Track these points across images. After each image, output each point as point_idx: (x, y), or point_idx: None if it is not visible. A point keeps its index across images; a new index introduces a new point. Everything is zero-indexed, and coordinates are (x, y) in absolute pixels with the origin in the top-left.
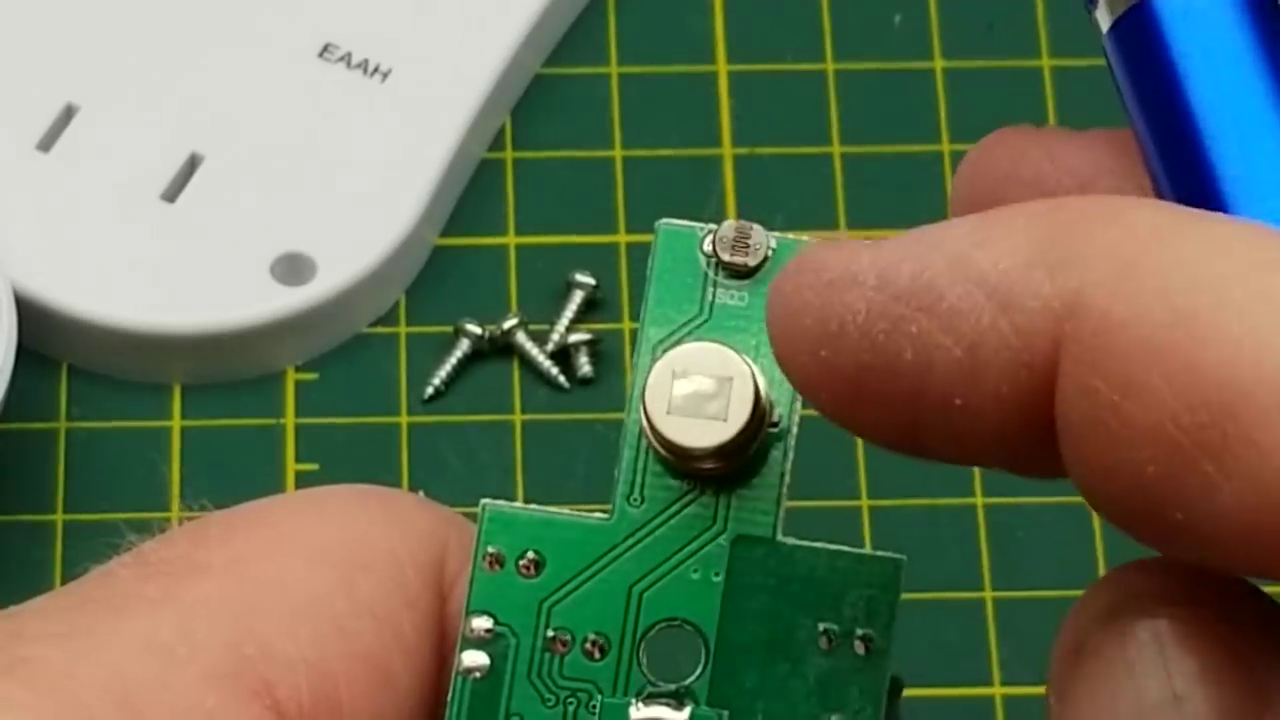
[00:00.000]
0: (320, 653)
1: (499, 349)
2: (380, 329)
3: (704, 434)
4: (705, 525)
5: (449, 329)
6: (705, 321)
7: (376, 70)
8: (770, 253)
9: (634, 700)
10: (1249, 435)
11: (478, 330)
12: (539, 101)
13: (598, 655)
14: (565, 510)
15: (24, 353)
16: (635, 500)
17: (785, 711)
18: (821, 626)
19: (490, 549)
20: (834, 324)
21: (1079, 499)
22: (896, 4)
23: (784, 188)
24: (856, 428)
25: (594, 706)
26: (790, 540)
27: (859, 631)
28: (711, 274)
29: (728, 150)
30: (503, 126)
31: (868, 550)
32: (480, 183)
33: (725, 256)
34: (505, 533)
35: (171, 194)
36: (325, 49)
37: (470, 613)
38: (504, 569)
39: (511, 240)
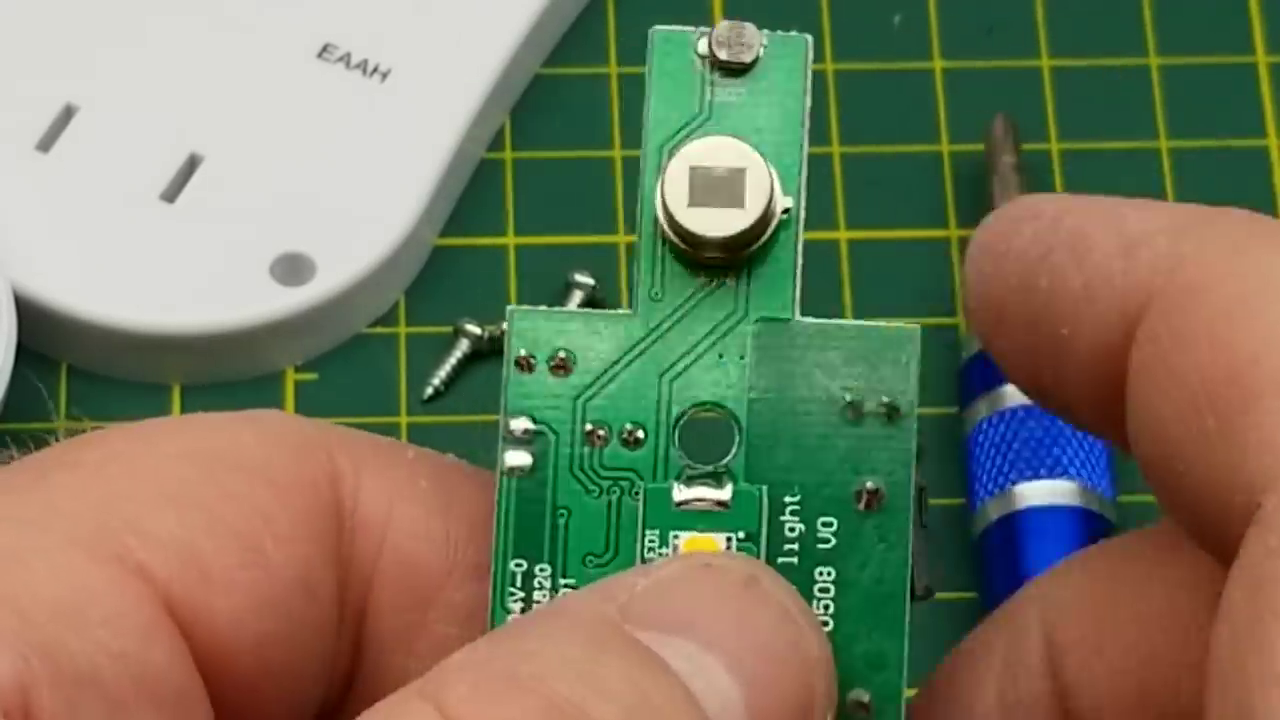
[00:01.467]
0: (187, 530)
1: (499, 349)
2: (380, 329)
3: (724, 222)
4: (727, 312)
5: (449, 329)
6: (707, 120)
7: (376, 70)
8: (763, 49)
9: (675, 484)
10: (1243, 402)
11: (477, 330)
12: (539, 101)
13: (635, 444)
14: (589, 309)
15: (24, 353)
16: (656, 294)
17: (820, 481)
18: (847, 398)
19: (520, 352)
20: (1003, 245)
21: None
22: (896, 4)
23: None
24: (994, 349)
25: (637, 493)
26: (809, 319)
27: (883, 399)
28: (708, 74)
29: None
30: (502, 126)
31: (883, 323)
32: (480, 183)
33: (722, 55)
34: (532, 335)
35: (171, 194)
36: (325, 49)
37: (508, 414)
38: (535, 370)
39: (511, 240)
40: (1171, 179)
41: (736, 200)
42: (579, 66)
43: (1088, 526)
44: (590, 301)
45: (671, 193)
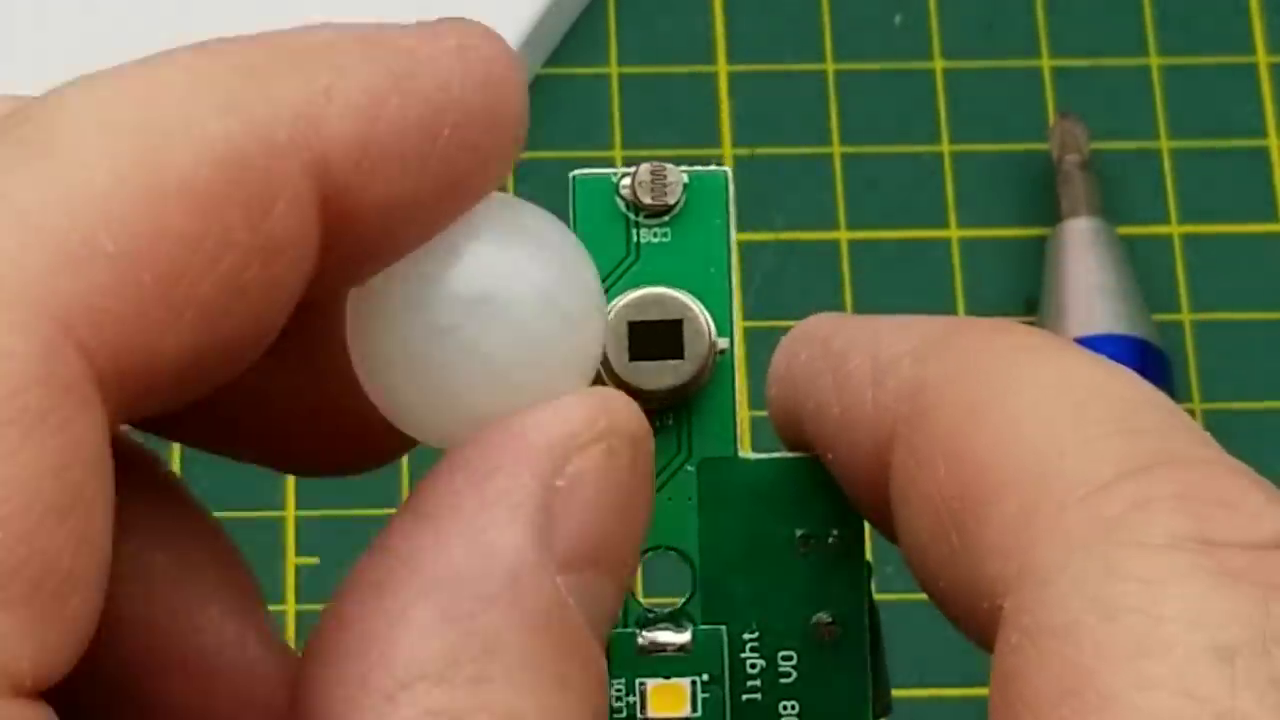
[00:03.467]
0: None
1: None
2: None
3: (665, 374)
4: (672, 454)
5: None
6: (634, 261)
7: None
8: (684, 188)
9: (637, 630)
10: (975, 513)
11: None
12: (539, 101)
13: None
14: None
15: None
16: None
17: (776, 616)
18: (797, 532)
19: None
20: (783, 369)
21: None
22: (896, 4)
23: (784, 188)
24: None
25: None
26: (751, 455)
27: (834, 531)
28: (632, 215)
29: (728, 150)
30: None
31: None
32: None
33: (646, 199)
34: None
35: None
36: None
37: None
38: None
39: None
40: (1172, 179)
41: (675, 351)
42: (579, 66)
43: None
44: None
45: (612, 350)
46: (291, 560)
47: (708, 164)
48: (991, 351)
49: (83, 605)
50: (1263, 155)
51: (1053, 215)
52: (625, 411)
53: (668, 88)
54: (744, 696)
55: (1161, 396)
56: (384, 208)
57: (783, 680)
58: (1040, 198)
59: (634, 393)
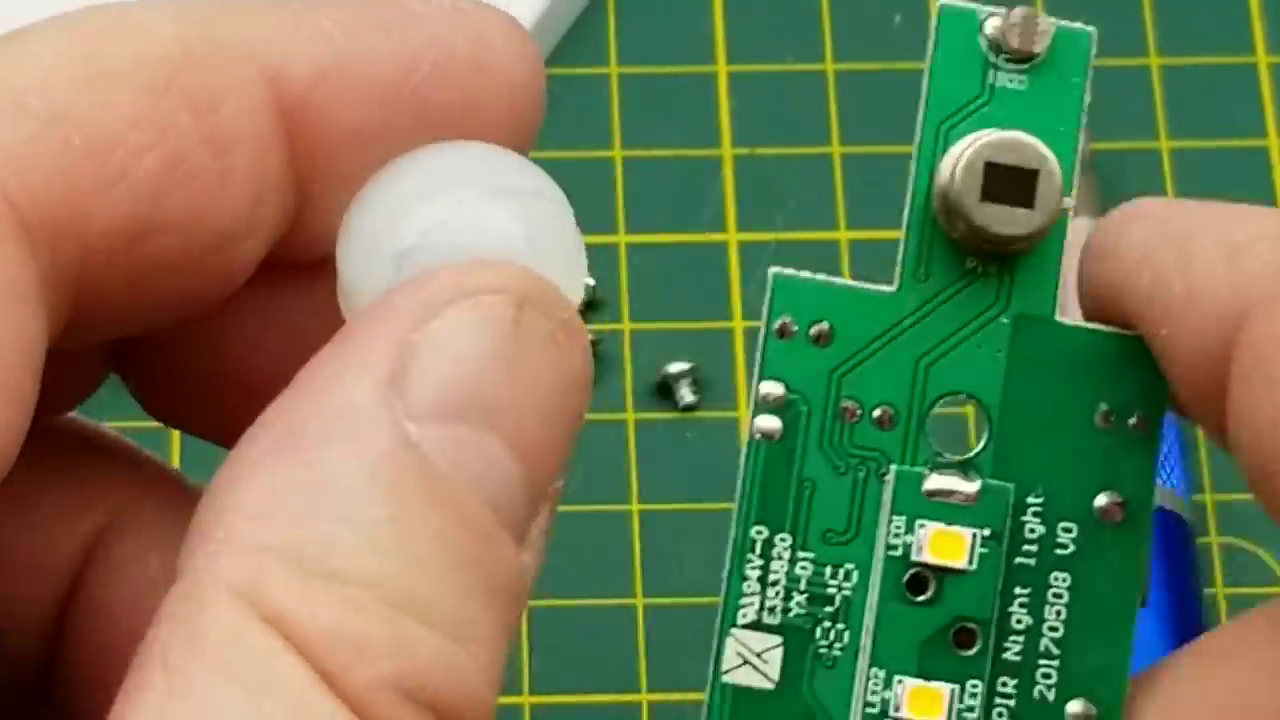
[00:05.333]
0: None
1: None
2: None
3: (1014, 221)
4: (988, 302)
5: None
6: (986, 103)
7: None
8: (1052, 40)
9: (927, 471)
10: None
11: None
12: None
13: (886, 425)
14: (851, 281)
15: None
16: (921, 275)
17: (1065, 486)
18: (1101, 406)
19: (781, 318)
20: (1112, 243)
21: None
22: (896, 4)
23: (784, 188)
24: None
25: (883, 474)
26: (1068, 321)
27: (1137, 411)
28: (992, 57)
29: (727, 150)
30: None
31: (1137, 334)
32: None
33: (1013, 42)
34: (794, 302)
35: None
36: None
37: (763, 378)
38: (794, 338)
39: None
40: (1171, 179)
41: (1028, 200)
42: (579, 66)
43: (1162, 525)
44: (590, 301)
45: (964, 183)
46: None
47: (710, 162)
48: None
49: None
50: (1263, 155)
51: None
52: (503, 272)
53: (668, 88)
54: (1017, 560)
55: None
56: (352, 131)
57: (1059, 551)
58: None
59: (976, 233)
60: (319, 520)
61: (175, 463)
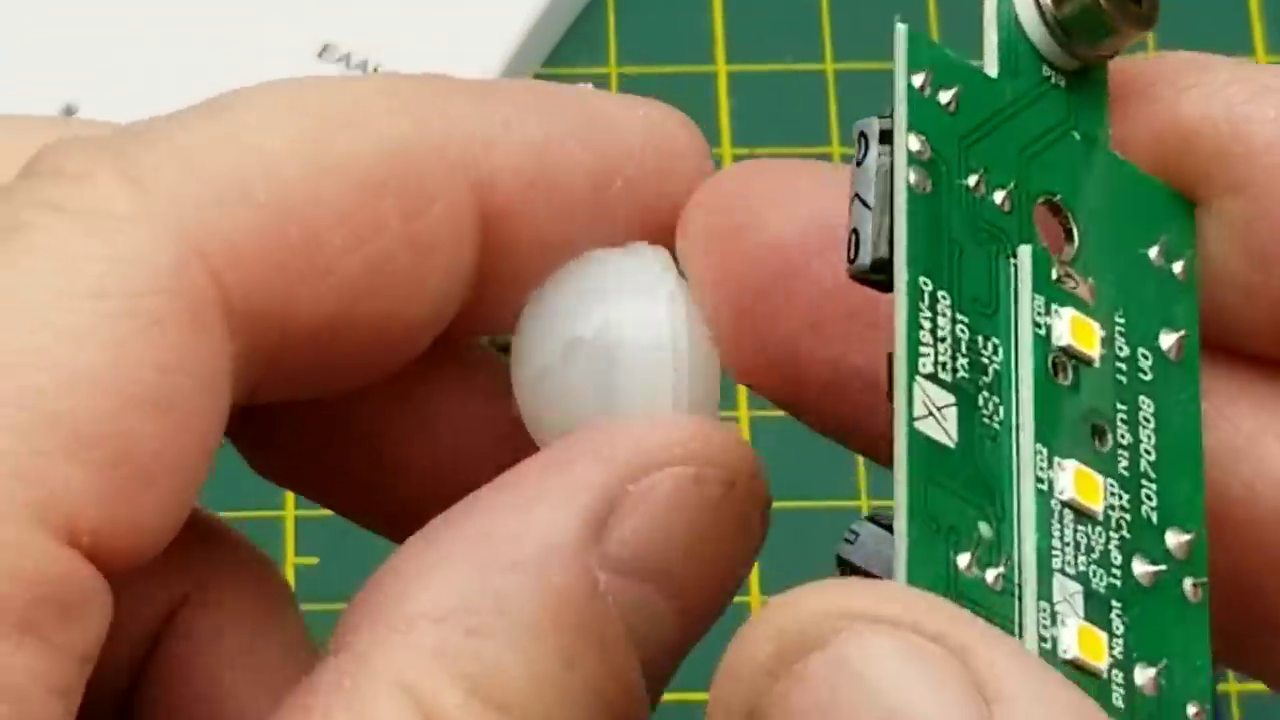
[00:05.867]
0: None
1: (500, 348)
2: None
3: (1127, 12)
4: (1061, 116)
5: None
6: None
7: (376, 70)
8: None
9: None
10: None
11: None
12: None
13: (1005, 207)
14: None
15: None
16: (1012, 68)
17: (1139, 312)
18: (1156, 245)
19: (918, 73)
20: (1183, 83)
21: None
22: (896, 4)
23: None
24: None
25: (1010, 256)
26: (1122, 156)
27: (1179, 258)
28: None
29: (727, 150)
30: None
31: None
32: None
33: None
34: (925, 60)
35: None
36: (325, 49)
37: (910, 130)
38: (928, 96)
39: None
40: None
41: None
42: (579, 66)
43: None
44: None
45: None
46: (291, 560)
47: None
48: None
49: (160, 500)
50: None
51: None
52: (729, 446)
53: (668, 88)
54: (1116, 376)
55: None
56: (544, 243)
57: (1140, 376)
58: None
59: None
60: (495, 642)
61: None
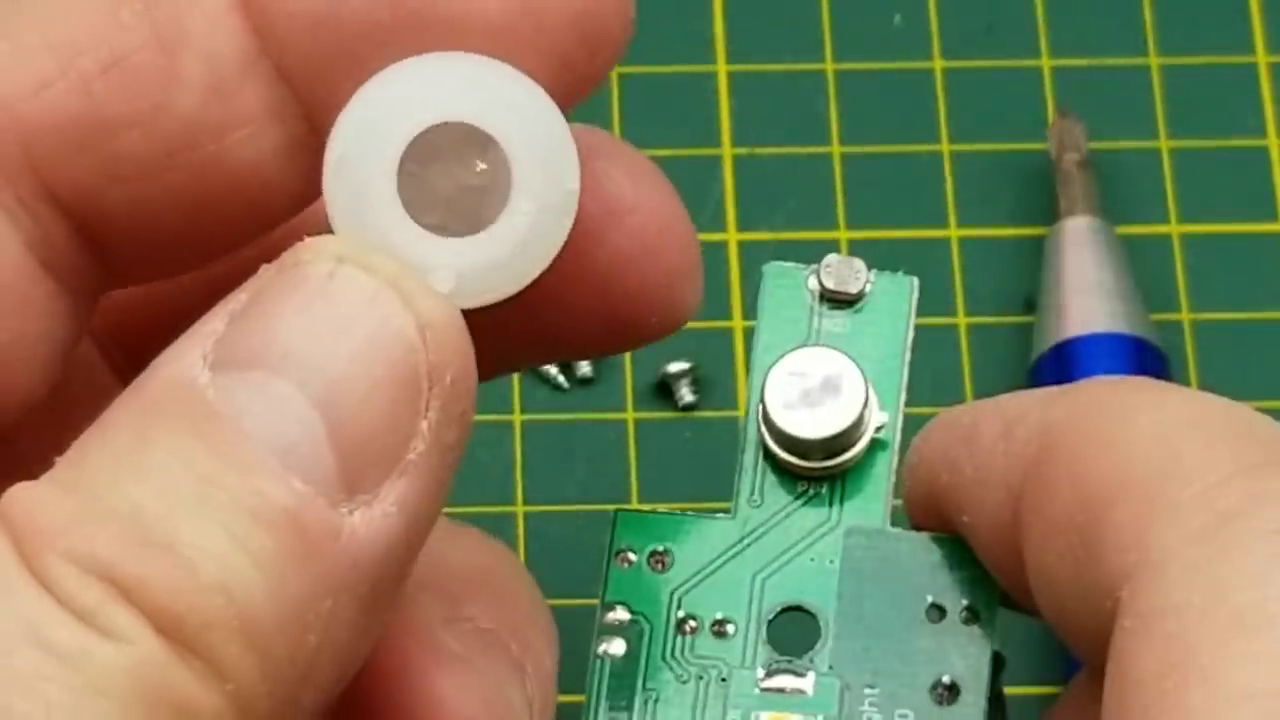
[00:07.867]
0: None
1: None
2: None
3: (819, 425)
4: (820, 520)
5: None
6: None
7: None
8: (870, 284)
9: (760, 670)
10: (1097, 518)
11: None
12: None
13: (724, 635)
14: (689, 511)
15: None
16: (755, 501)
17: (900, 675)
18: (929, 599)
19: (621, 547)
20: (916, 455)
21: None
22: (896, 4)
23: (784, 188)
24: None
25: (724, 678)
26: (895, 529)
27: (964, 603)
28: (816, 305)
29: (727, 150)
30: None
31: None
32: None
33: (829, 284)
34: (635, 534)
35: None
36: None
37: (605, 605)
38: (634, 564)
39: None
40: (1171, 178)
41: (832, 404)
42: None
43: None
44: None
45: (771, 396)
46: None
47: (710, 162)
48: (1112, 390)
49: None
50: (1263, 155)
51: (1051, 214)
52: (330, 241)
53: (668, 87)
54: None
55: (1269, 419)
56: (316, 18)
57: None
58: (1039, 197)
59: (790, 442)
60: (85, 450)
61: None
